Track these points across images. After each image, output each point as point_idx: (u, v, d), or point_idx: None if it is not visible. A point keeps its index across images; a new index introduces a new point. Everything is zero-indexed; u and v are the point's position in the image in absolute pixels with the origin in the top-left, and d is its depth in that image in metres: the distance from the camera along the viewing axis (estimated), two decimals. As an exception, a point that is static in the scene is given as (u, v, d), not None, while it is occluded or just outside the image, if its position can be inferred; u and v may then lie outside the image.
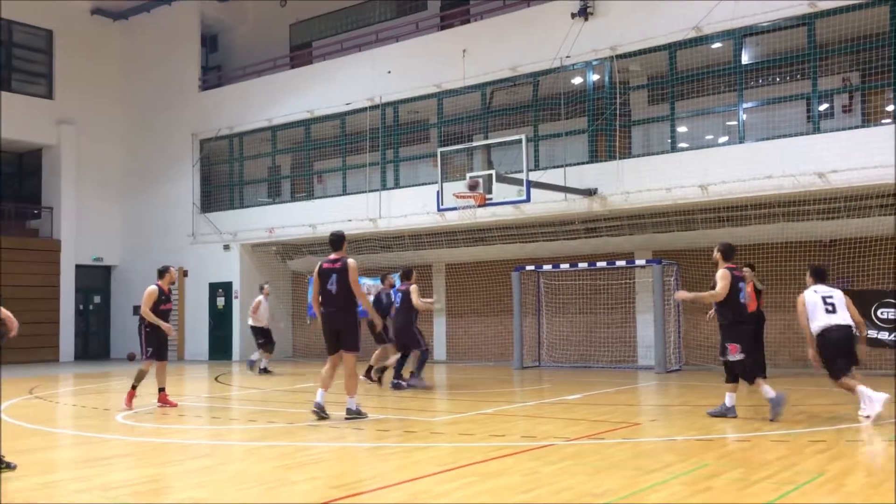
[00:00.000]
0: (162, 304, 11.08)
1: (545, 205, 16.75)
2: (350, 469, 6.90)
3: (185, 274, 23.94)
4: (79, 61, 25.21)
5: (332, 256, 9.44)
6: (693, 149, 16.14)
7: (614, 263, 16.86)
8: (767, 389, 8.73)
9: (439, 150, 16.99)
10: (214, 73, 25.54)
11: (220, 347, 23.18)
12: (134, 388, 11.02)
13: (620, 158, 16.29)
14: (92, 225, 25.00)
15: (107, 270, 25.90)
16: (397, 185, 19.77)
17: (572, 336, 18.17)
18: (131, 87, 26.04)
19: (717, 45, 15.63)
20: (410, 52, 19.77)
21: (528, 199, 15.45)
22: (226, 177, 23.89)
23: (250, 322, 17.52)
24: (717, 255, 9.25)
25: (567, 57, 16.81)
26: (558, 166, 16.87)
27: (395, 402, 11.51)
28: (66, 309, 24.17)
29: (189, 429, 9.56)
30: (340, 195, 20.87)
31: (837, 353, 8.88)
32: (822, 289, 9.19)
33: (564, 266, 17.37)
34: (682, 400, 11.76)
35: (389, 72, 19.81)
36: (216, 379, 16.65)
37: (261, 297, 17.58)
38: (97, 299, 25.82)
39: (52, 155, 24.83)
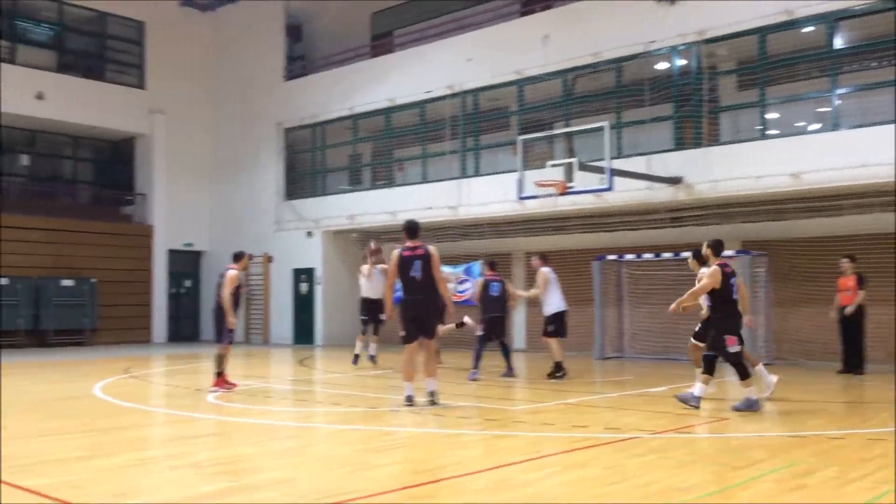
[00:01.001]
0: (240, 288, 11.25)
1: (628, 193, 16.46)
2: (431, 455, 6.94)
3: (269, 260, 24.51)
4: (169, 52, 25.98)
5: (411, 244, 9.35)
6: (784, 136, 15.61)
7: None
8: (751, 390, 8.91)
9: (520, 138, 16.89)
10: (298, 63, 25.96)
11: (303, 332, 23.66)
12: (220, 374, 11.20)
13: (707, 146, 15.88)
14: (182, 211, 25.81)
15: (197, 255, 26.71)
16: (477, 173, 19.75)
17: (655, 327, 17.83)
18: (219, 78, 26.72)
19: (809, 28, 15.05)
20: (491, 40, 19.67)
21: (610, 188, 15.22)
22: (309, 165, 24.31)
23: (364, 294, 14.70)
24: (707, 250, 9.51)
25: (652, 42, 16.46)
26: (642, 154, 16.55)
27: (475, 389, 11.53)
28: (158, 292, 25.06)
29: (275, 410, 9.79)
30: (420, 183, 20.98)
31: None
32: None
33: (648, 255, 17.05)
34: (772, 395, 11.40)
35: (470, 59, 19.76)
36: (300, 363, 17.01)
37: (366, 265, 14.83)
38: (188, 283, 26.68)
39: (145, 144, 25.70)
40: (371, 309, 14.58)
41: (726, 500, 5.08)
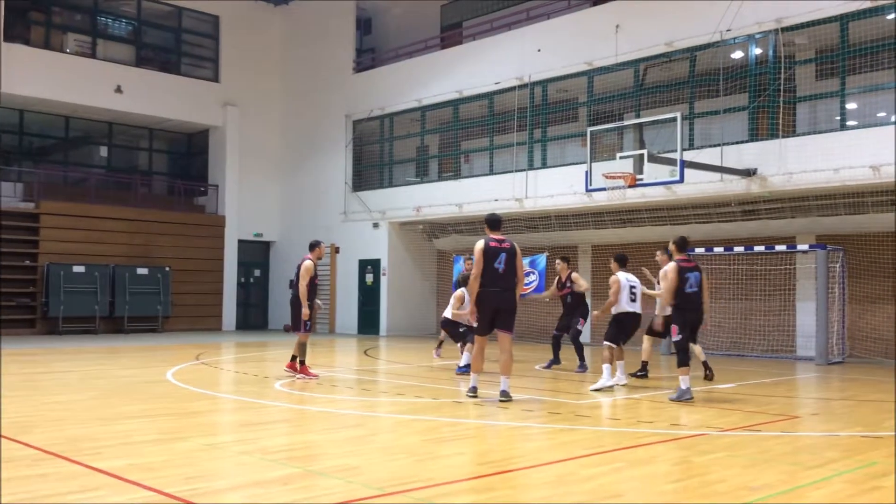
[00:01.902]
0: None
1: (699, 185, 16.13)
2: (496, 447, 6.93)
3: (336, 250, 24.82)
4: (242, 45, 26.50)
5: (496, 236, 9.39)
6: (864, 127, 15.06)
7: (773, 248, 16.04)
8: (685, 380, 9.39)
9: (589, 129, 16.70)
10: (368, 56, 26.18)
11: (368, 322, 23.91)
12: (303, 362, 11.42)
13: (783, 137, 15.43)
14: (253, 202, 26.33)
15: (266, 245, 27.23)
16: (544, 165, 19.61)
17: (725, 323, 17.46)
18: (290, 70, 27.13)
19: (892, 15, 14.46)
20: (561, 30, 19.48)
21: (681, 180, 14.93)
22: (376, 156, 24.51)
23: (449, 314, 13.21)
24: (672, 247, 10.14)
25: (728, 30, 16.06)
26: (715, 145, 16.19)
27: (540, 382, 11.48)
28: (228, 281, 25.63)
29: (341, 399, 9.91)
30: (487, 175, 20.94)
31: None
32: None
33: (718, 249, 16.67)
34: (846, 394, 11.08)
35: (539, 50, 19.61)
36: (365, 353, 17.19)
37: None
38: (257, 273, 27.22)
39: (218, 135, 26.28)
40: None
41: (797, 500, 4.94)
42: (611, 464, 6.00)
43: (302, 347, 11.45)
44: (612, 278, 10.90)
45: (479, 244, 9.30)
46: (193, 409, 8.77)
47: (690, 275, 9.76)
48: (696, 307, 9.84)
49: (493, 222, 9.60)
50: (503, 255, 9.23)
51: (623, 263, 11.16)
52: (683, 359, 9.54)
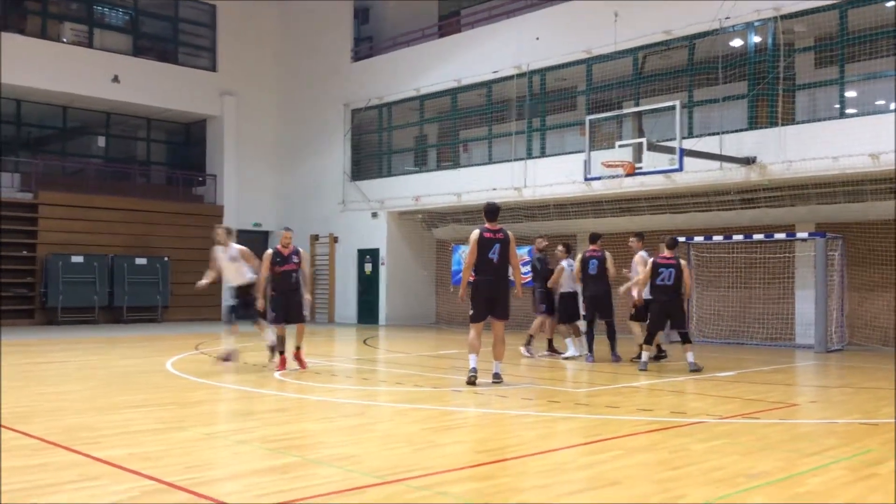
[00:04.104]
0: (277, 265, 11.22)
1: (698, 174, 16.11)
2: (494, 435, 6.93)
3: (335, 240, 24.80)
4: (240, 35, 26.42)
5: (491, 226, 9.51)
6: (864, 115, 15.03)
7: (773, 236, 16.03)
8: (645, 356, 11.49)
9: (588, 117, 16.66)
10: (366, 45, 26.09)
11: (367, 312, 23.91)
12: (281, 353, 11.25)
13: (783, 125, 15.40)
14: (251, 192, 26.29)
15: (265, 236, 27.18)
16: (543, 154, 19.58)
17: (724, 311, 17.47)
18: (287, 59, 27.04)
19: (892, 3, 14.41)
20: (559, 18, 19.40)
21: (680, 169, 14.92)
22: (375, 146, 24.46)
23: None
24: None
25: (726, 18, 16.00)
26: (714, 133, 16.16)
27: (539, 371, 11.49)
28: (226, 271, 25.54)
29: (340, 388, 9.92)
30: (486, 164, 20.91)
31: None
32: None
33: (718, 238, 16.66)
34: (844, 381, 11.10)
35: (537, 38, 19.54)
36: (364, 342, 17.20)
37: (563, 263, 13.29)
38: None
39: (216, 125, 26.22)
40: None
41: (795, 487, 4.95)
42: (609, 451, 6.01)
43: (281, 340, 11.26)
44: (637, 257, 12.60)
45: (475, 234, 9.44)
46: (193, 399, 8.78)
47: (664, 270, 11.37)
48: (669, 295, 11.36)
49: (490, 212, 9.65)
50: (497, 246, 9.35)
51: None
52: (648, 339, 11.57)
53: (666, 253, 11.57)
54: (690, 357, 11.28)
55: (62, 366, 12.45)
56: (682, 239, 17.26)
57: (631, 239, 13.19)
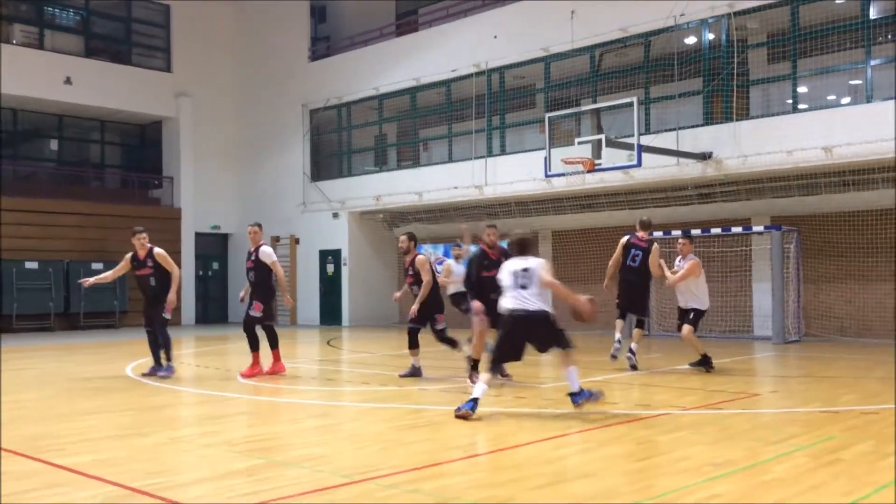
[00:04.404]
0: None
1: (656, 170, 16.30)
2: (463, 432, 6.93)
3: (296, 241, 24.62)
4: (194, 35, 26.06)
5: (491, 250, 9.73)
6: (816, 109, 15.35)
7: (730, 230, 16.29)
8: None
9: (547, 115, 16.76)
10: (323, 44, 25.93)
11: (330, 313, 23.78)
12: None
13: (737, 120, 15.65)
14: (209, 194, 25.96)
15: (224, 238, 26.90)
16: (503, 152, 19.65)
17: (684, 304, 17.67)
18: (244, 60, 26.75)
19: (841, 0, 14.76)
20: (516, 16, 19.48)
21: (638, 164, 15.08)
22: (334, 146, 24.33)
23: (451, 290, 11.88)
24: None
25: (681, 15, 16.21)
26: (671, 129, 16.36)
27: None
28: (186, 275, 25.18)
29: (305, 390, 9.85)
30: (446, 163, 20.91)
31: None
32: None
33: (676, 233, 16.83)
34: (803, 371, 11.32)
35: (495, 37, 19.61)
36: (328, 343, 17.10)
37: (450, 261, 12.55)
38: (216, 265, 26.87)
39: (172, 127, 25.84)
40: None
41: (761, 475, 5.04)
42: (577, 445, 6.06)
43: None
44: (656, 247, 11.77)
45: (474, 252, 9.89)
46: (155, 404, 8.65)
47: (634, 250, 11.18)
48: (634, 277, 11.14)
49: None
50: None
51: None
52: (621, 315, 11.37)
53: (640, 234, 11.31)
54: (634, 347, 10.97)
55: (19, 374, 12.16)
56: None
57: (680, 240, 11.72)
